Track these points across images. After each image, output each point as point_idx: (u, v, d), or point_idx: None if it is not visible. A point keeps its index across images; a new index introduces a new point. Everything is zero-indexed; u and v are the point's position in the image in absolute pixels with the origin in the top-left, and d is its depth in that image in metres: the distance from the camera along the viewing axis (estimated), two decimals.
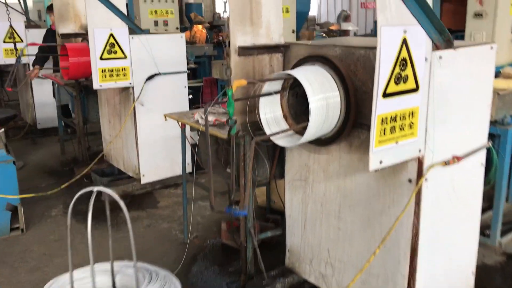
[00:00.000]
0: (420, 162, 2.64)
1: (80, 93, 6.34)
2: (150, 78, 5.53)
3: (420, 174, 2.64)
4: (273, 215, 4.80)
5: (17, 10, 7.62)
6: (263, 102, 2.89)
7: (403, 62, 2.44)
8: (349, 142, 3.02)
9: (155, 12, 10.05)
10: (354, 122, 2.85)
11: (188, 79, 8.00)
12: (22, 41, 7.68)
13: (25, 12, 8.08)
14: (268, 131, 2.89)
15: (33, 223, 5.01)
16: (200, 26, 10.79)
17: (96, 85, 5.20)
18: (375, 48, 2.33)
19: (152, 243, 4.59)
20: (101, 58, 5.17)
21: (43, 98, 8.29)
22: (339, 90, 2.73)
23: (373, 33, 8.66)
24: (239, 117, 3.32)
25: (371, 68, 2.79)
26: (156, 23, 10.08)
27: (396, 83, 2.42)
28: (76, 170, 6.35)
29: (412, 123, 2.56)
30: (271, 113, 2.94)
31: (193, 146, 5.56)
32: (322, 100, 2.64)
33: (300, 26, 8.79)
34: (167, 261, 4.27)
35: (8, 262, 4.26)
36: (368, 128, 2.89)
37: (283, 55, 3.39)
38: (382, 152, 2.47)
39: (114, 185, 5.73)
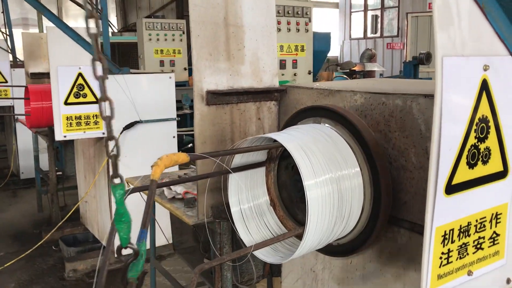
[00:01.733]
0: None
1: (54, 141, 5.36)
2: (128, 126, 4.50)
3: None
4: None
5: (2, 48, 6.83)
6: (235, 184, 1.76)
7: (483, 124, 1.30)
8: (380, 246, 1.86)
9: (161, 51, 9.21)
10: (388, 218, 1.70)
11: (185, 126, 7.02)
12: (6, 81, 6.85)
13: (12, 50, 7.33)
14: (242, 231, 1.74)
15: None
16: None
17: (59, 135, 4.20)
18: (421, 96, 1.24)
19: None
20: (66, 103, 4.19)
21: (28, 144, 7.35)
22: (360, 166, 1.60)
23: (403, 75, 7.63)
24: (209, 197, 2.20)
25: (415, 129, 1.68)
26: (162, 63, 9.23)
27: (470, 164, 1.28)
28: (44, 235, 5.29)
29: (497, 234, 1.40)
30: (249, 201, 1.80)
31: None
32: (329, 184, 1.51)
33: (319, 67, 7.75)
34: None
35: None
36: (411, 227, 1.74)
37: (278, 103, 2.29)
38: None
39: (82, 258, 4.62)
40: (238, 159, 1.73)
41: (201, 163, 2.08)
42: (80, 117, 4.27)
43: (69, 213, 4.82)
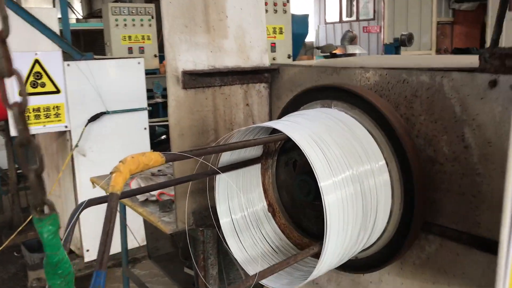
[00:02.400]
0: None
1: (13, 137, 4.87)
2: (94, 118, 4.06)
3: None
4: None
5: None
6: (223, 188, 1.39)
7: None
8: (397, 259, 1.52)
9: (129, 37, 8.68)
10: (422, 223, 1.36)
11: (157, 116, 6.58)
12: None
13: None
14: (234, 246, 1.38)
15: None
16: None
17: (14, 130, 3.72)
18: (454, 70, 0.93)
19: None
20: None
21: None
22: (386, 159, 1.25)
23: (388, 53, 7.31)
24: (190, 201, 1.83)
25: (447, 111, 1.34)
26: (130, 50, 8.69)
27: None
28: (4, 240, 4.80)
29: None
30: (242, 210, 1.44)
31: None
32: (350, 183, 1.16)
33: (298, 51, 7.39)
34: None
35: None
36: (442, 232, 1.41)
37: (270, 86, 1.93)
38: None
39: None
40: (228, 156, 1.36)
41: (178, 164, 1.70)
42: (39, 109, 3.81)
43: (32, 215, 4.35)
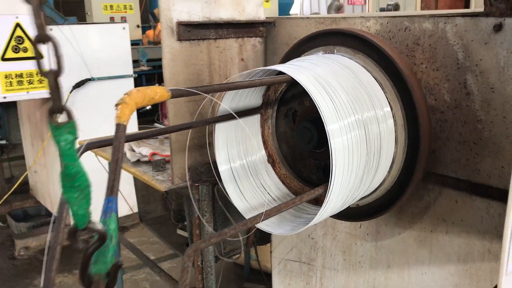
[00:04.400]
0: None
1: None
2: (78, 85, 3.97)
3: None
4: (253, 284, 3.28)
5: None
6: (223, 136, 1.37)
7: None
8: (399, 205, 1.53)
9: (111, 7, 8.46)
10: (425, 170, 1.36)
11: (151, 83, 6.48)
12: None
13: None
14: (233, 193, 1.36)
15: None
16: None
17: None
18: (458, 16, 0.98)
19: None
20: (3, 59, 3.60)
21: None
22: (391, 105, 1.24)
23: None
24: (181, 157, 1.80)
25: (450, 58, 1.33)
26: (111, 20, 8.47)
27: None
28: None
29: None
30: (241, 158, 1.42)
31: None
32: (356, 128, 1.15)
33: None
34: None
35: None
36: (442, 181, 1.41)
37: (265, 40, 1.89)
38: None
39: (34, 234, 4.14)
40: (227, 104, 1.33)
41: (174, 113, 1.67)
42: (21, 75, 3.70)
43: (16, 184, 4.29)
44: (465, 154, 1.37)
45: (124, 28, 4.21)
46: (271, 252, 2.11)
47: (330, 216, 1.50)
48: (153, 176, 2.09)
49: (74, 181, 0.60)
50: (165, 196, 2.68)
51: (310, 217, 1.26)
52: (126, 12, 8.62)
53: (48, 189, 4.43)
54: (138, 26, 8.74)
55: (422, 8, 13.20)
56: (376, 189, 1.32)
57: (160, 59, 5.57)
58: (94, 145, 1.08)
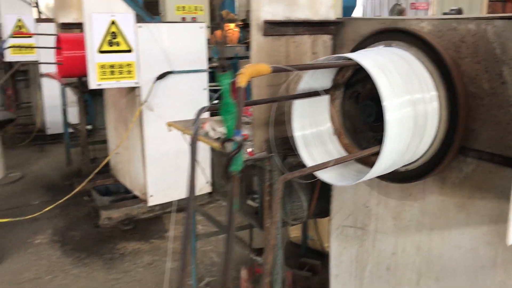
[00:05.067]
0: None
1: (84, 94, 5.37)
2: (161, 77, 4.47)
3: None
4: (310, 259, 3.62)
5: (25, 1, 6.77)
6: (299, 109, 1.74)
7: None
8: (442, 176, 1.84)
9: (183, 8, 9.06)
10: (461, 145, 1.67)
11: (212, 81, 6.95)
12: (31, 36, 6.81)
13: (36, 4, 7.27)
14: (306, 156, 1.73)
15: (10, 253, 4.02)
16: (232, 25, 9.73)
17: (93, 84, 4.19)
18: (497, 19, 1.22)
19: None
20: (100, 51, 4.16)
21: (54, 99, 7.37)
22: (438, 90, 1.56)
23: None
24: (260, 132, 2.19)
25: (489, 53, 1.62)
26: (183, 21, 9.09)
27: None
28: (76, 186, 5.37)
29: None
30: (312, 127, 1.78)
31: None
32: (408, 106, 1.48)
33: None
34: None
35: None
36: (479, 155, 1.70)
37: (334, 37, 2.24)
38: None
39: (116, 206, 4.70)
40: (303, 85, 1.70)
41: (257, 95, 2.05)
42: (113, 66, 4.25)
43: (103, 164, 4.87)
44: (499, 133, 1.65)
45: (201, 28, 4.69)
46: (330, 219, 2.44)
47: (385, 180, 1.84)
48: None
49: (228, 108, 0.99)
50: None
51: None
52: (196, 13, 9.21)
53: (129, 169, 4.98)
54: (208, 27, 9.32)
55: (488, 13, 12.98)
56: (421, 157, 1.64)
57: (228, 58, 6.10)
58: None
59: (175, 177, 4.77)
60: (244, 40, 9.66)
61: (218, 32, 9.64)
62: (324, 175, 1.63)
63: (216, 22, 10.08)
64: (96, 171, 4.93)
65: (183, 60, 4.60)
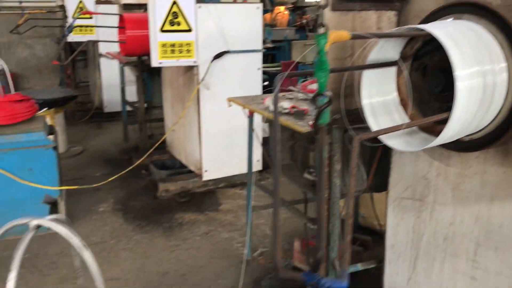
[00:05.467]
0: None
1: (142, 73, 5.61)
2: (218, 56, 4.63)
3: None
4: (361, 235, 3.72)
5: None
6: (368, 78, 1.83)
7: None
8: (505, 148, 1.89)
9: None
10: None
11: (264, 62, 7.07)
12: (91, 17, 7.13)
13: None
14: (373, 124, 1.83)
15: (76, 219, 4.32)
16: (282, 8, 9.80)
17: (155, 62, 4.40)
18: None
19: (207, 258, 3.70)
20: (162, 30, 4.35)
21: (111, 78, 7.71)
22: (507, 62, 1.61)
23: None
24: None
25: None
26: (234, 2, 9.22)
27: None
28: (134, 160, 5.65)
29: None
30: (379, 96, 1.88)
31: (265, 140, 4.64)
32: (477, 76, 1.54)
33: None
34: (223, 284, 3.36)
35: (38, 266, 3.58)
36: None
37: (398, 14, 2.30)
38: None
39: (173, 180, 4.94)
40: (373, 56, 1.79)
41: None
42: (174, 45, 4.43)
43: (162, 139, 5.12)
44: None
45: (258, 8, 4.80)
46: (388, 192, 2.53)
47: (449, 149, 1.91)
48: (295, 122, 2.61)
49: (322, 66, 1.11)
50: (293, 146, 3.21)
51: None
52: None
53: (184, 145, 5.21)
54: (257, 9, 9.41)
55: None
56: (485, 127, 1.70)
57: (277, 41, 6.21)
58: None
59: (229, 154, 4.95)
60: (294, 23, 9.73)
61: (267, 15, 9.75)
62: (392, 142, 1.72)
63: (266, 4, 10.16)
64: (155, 146, 5.18)
65: (239, 40, 4.74)
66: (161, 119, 6.01)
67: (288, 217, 4.39)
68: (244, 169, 5.13)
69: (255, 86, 4.95)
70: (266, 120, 3.17)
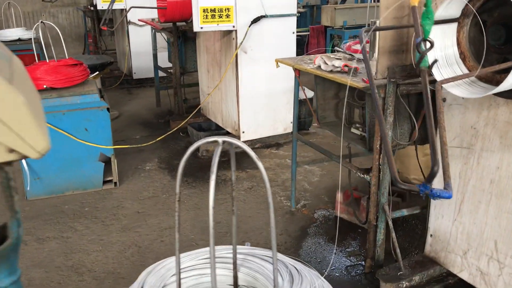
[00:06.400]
0: None
1: (177, 39, 5.81)
2: (255, 21, 4.81)
3: None
4: (397, 188, 3.97)
5: None
6: (432, 34, 2.03)
7: None
8: None
9: None
10: None
11: (298, 26, 7.22)
12: None
13: None
14: (437, 75, 2.04)
15: (126, 176, 4.62)
16: None
17: (196, 27, 4.60)
18: None
19: (254, 210, 3.99)
20: None
21: (140, 46, 7.92)
22: None
23: None
24: (384, 59, 2.51)
25: None
26: None
27: None
28: (172, 123, 5.92)
29: None
30: (441, 50, 2.09)
31: (300, 102, 4.85)
32: None
33: None
34: None
35: (100, 218, 3.89)
36: None
37: None
38: None
39: None
40: (439, 13, 2.00)
41: (385, 23, 2.35)
42: (214, 10, 4.61)
43: (203, 102, 5.35)
44: None
45: None
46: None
47: (506, 97, 2.13)
48: (351, 78, 2.83)
49: (428, 15, 1.33)
50: (338, 101, 3.44)
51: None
52: None
53: (221, 108, 5.44)
54: None
55: None
56: None
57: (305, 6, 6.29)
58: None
59: (265, 115, 5.19)
60: None
61: None
62: (456, 90, 1.95)
63: None
64: (195, 111, 5.43)
65: (275, 4, 4.90)
66: (195, 84, 6.23)
67: (324, 173, 4.67)
68: (277, 131, 5.40)
69: (289, 49, 5.14)
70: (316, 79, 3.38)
